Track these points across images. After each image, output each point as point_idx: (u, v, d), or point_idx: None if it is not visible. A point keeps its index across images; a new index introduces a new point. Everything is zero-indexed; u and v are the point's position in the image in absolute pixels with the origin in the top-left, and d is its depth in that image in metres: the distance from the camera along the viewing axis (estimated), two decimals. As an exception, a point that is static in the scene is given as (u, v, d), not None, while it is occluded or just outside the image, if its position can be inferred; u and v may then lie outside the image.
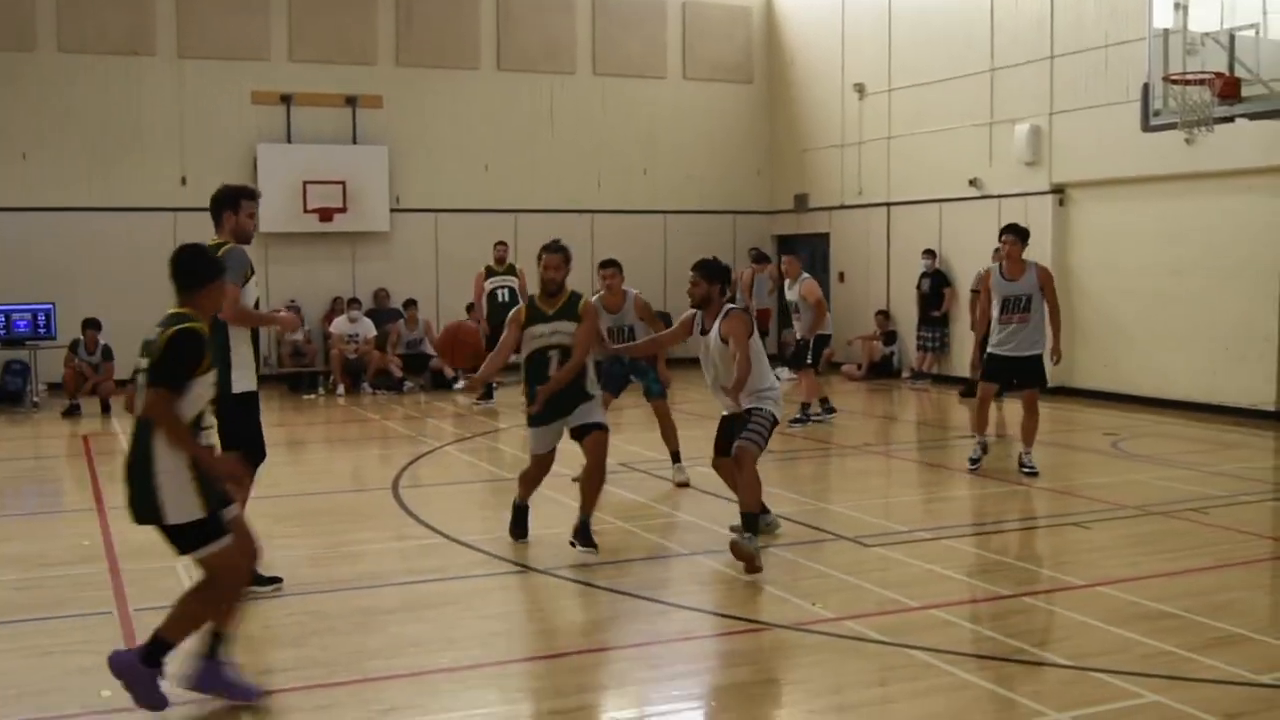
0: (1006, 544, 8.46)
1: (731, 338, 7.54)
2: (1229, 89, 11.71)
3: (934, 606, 6.63)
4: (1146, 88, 12.79)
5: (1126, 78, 14.49)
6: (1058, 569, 7.59)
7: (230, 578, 5.15)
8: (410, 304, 18.91)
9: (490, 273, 16.17)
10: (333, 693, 5.39)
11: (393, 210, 19.57)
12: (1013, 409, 12.68)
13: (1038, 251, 16.29)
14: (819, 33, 21.20)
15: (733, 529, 7.75)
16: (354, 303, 18.28)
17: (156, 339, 5.02)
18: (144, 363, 5.02)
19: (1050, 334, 10.46)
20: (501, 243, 16.65)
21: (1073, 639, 6.15)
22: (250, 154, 19.05)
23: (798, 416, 13.37)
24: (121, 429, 14.19)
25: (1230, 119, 12.04)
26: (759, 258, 18.73)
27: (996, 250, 11.58)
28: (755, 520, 7.42)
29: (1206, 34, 12.21)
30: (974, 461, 10.63)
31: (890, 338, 19.22)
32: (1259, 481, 10.50)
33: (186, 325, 5.00)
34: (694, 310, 7.86)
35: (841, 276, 20.76)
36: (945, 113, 18.30)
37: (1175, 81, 12.21)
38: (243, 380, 6.82)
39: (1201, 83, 11.90)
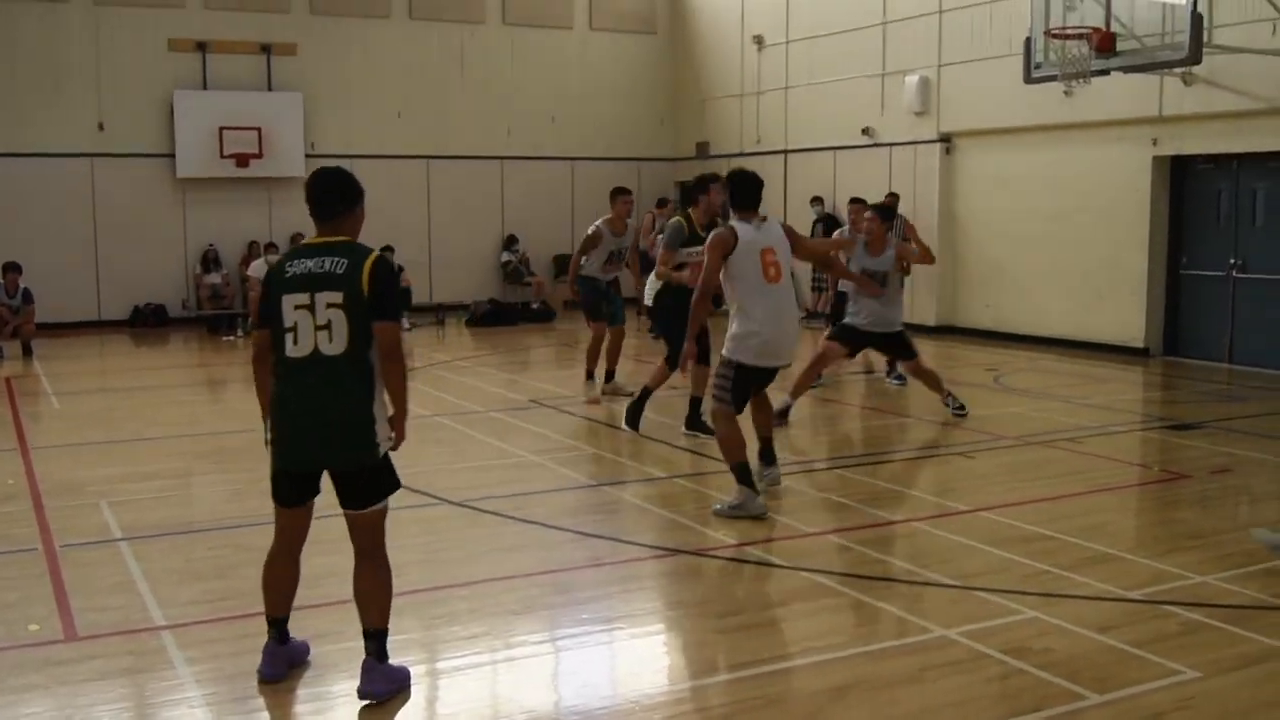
0: (895, 473, 8.84)
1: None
2: (1105, 43, 12.23)
3: (828, 532, 7.01)
4: (1029, 41, 13.30)
5: (1010, 32, 14.99)
6: (943, 495, 8.01)
7: (383, 539, 4.80)
8: None
9: None
10: (257, 622, 5.50)
11: (308, 156, 19.51)
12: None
13: (926, 199, 16.86)
14: (719, -16, 21.43)
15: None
16: (271, 246, 18.59)
17: (336, 270, 4.56)
18: (331, 297, 4.54)
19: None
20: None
21: (957, 560, 6.51)
22: (167, 101, 19.01)
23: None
24: (44, 370, 14.09)
25: (1106, 72, 12.58)
26: (661, 202, 19.08)
27: (861, 213, 11.34)
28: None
29: (1086, -10, 12.73)
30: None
31: (786, 280, 19.62)
32: (1127, 413, 11.12)
33: (380, 254, 4.68)
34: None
35: (739, 222, 21.13)
36: (840, 64, 18.68)
37: (1055, 36, 12.71)
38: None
39: (1080, 37, 12.41)
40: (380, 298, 4.56)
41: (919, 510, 7.62)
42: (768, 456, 7.84)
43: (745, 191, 7.47)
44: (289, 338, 4.58)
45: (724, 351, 7.35)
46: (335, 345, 4.54)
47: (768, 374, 7.46)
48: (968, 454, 9.26)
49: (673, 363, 9.25)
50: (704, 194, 9.22)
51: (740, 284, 7.24)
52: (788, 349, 7.42)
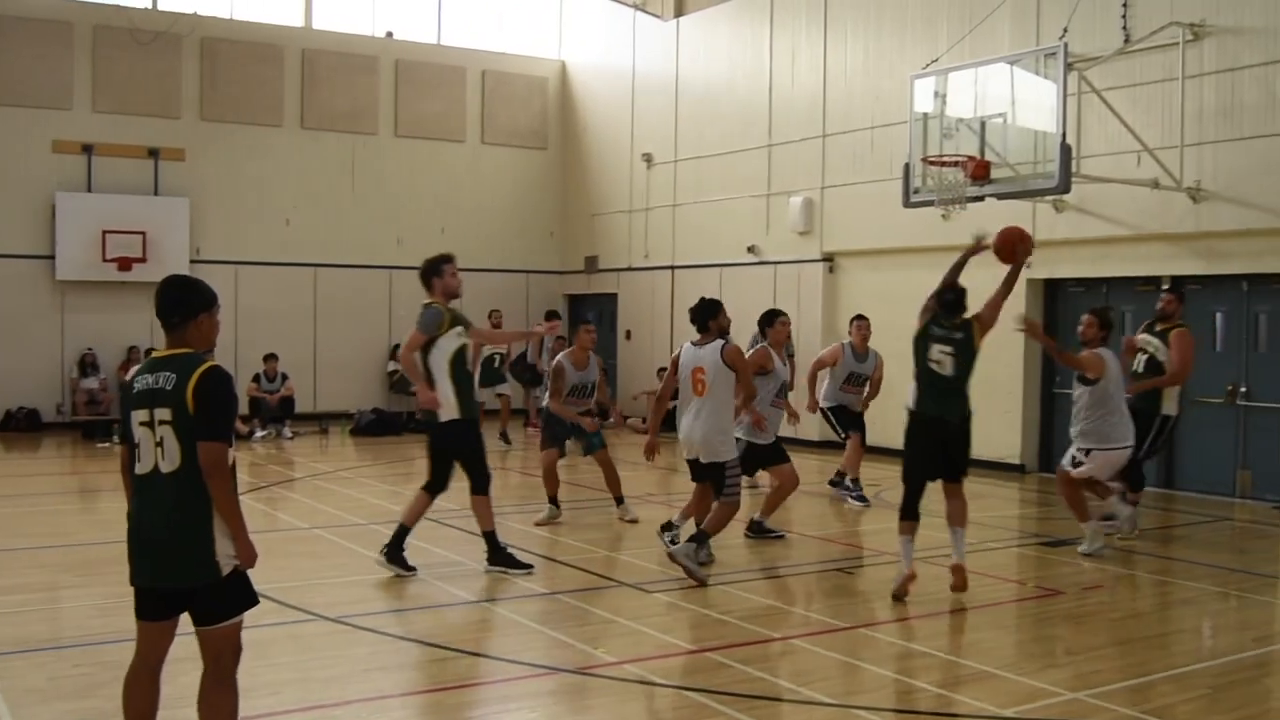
0: (778, 589, 8.91)
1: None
2: (980, 171, 12.74)
3: (710, 650, 7.00)
4: (907, 168, 13.80)
5: (890, 157, 15.54)
6: (825, 613, 8.08)
7: (237, 659, 4.69)
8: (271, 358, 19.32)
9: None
10: (119, 744, 5.36)
11: (193, 261, 19.36)
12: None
13: (809, 316, 17.23)
14: (611, 104, 21.97)
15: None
16: (150, 353, 17.96)
17: (166, 386, 4.48)
18: (163, 414, 4.46)
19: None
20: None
21: (837, 679, 6.56)
22: (49, 202, 18.82)
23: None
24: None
25: (981, 198, 13.07)
26: (549, 315, 19.12)
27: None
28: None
29: (961, 120, 13.33)
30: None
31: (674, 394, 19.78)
32: (1004, 529, 11.35)
33: (209, 368, 4.52)
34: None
35: (628, 334, 21.38)
36: (726, 183, 19.17)
37: (933, 163, 13.22)
38: (447, 411, 8.64)
39: (956, 164, 12.91)
40: (203, 417, 4.47)
41: (800, 627, 7.66)
42: (698, 537, 8.88)
43: (694, 316, 9.11)
44: (135, 454, 4.59)
45: None
46: (169, 463, 4.49)
47: (696, 465, 9.01)
48: (848, 570, 9.36)
49: (432, 491, 8.79)
50: (438, 277, 9.09)
51: (680, 392, 9.10)
52: (691, 445, 8.94)
